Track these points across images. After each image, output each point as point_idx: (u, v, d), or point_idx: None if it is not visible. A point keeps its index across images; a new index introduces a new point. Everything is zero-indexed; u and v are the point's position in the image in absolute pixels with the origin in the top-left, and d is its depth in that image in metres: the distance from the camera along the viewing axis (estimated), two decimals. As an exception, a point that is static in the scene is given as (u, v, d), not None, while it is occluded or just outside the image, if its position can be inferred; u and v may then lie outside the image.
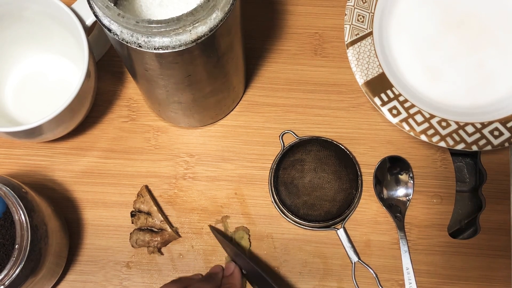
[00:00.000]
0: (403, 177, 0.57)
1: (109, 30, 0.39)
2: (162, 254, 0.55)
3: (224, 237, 0.54)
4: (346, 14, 0.53)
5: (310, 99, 0.59)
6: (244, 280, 0.53)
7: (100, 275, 0.55)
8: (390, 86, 0.50)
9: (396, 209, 0.56)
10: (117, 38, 0.39)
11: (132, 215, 0.55)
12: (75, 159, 0.58)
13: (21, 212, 0.44)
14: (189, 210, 0.56)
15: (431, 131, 0.49)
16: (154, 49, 0.38)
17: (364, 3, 0.53)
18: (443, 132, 0.49)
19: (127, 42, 0.38)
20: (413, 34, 0.53)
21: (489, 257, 0.55)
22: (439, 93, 0.52)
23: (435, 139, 0.49)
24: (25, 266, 0.43)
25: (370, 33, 0.52)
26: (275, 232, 0.56)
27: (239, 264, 0.53)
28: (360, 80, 0.51)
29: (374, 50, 0.51)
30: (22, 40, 0.57)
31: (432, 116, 0.50)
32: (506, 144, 0.49)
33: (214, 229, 0.55)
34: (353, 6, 0.53)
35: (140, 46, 0.38)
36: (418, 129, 0.49)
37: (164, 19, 0.37)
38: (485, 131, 0.49)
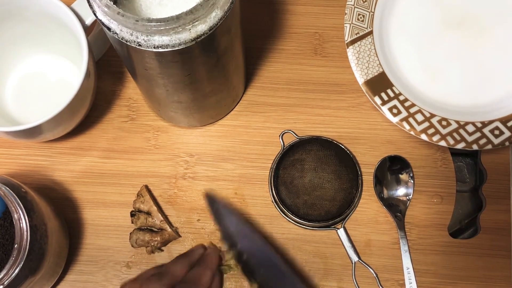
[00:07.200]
0: (403, 176, 0.57)
1: (109, 29, 0.39)
2: (162, 251, 0.55)
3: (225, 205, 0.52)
4: (346, 13, 0.53)
5: (310, 98, 0.59)
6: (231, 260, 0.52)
7: (100, 275, 0.55)
8: (390, 85, 0.50)
9: (396, 208, 0.56)
10: (116, 37, 0.39)
11: (132, 215, 0.55)
12: (75, 159, 0.58)
13: (20, 212, 0.44)
14: (189, 210, 0.56)
15: (431, 130, 0.49)
16: (154, 47, 0.38)
17: (364, 2, 0.53)
18: (444, 131, 0.49)
19: (126, 41, 0.38)
20: (413, 33, 0.53)
21: (489, 257, 0.55)
22: (439, 92, 0.52)
23: (435, 138, 0.49)
24: (24, 266, 0.43)
25: (370, 32, 0.52)
26: (275, 232, 0.56)
27: (242, 244, 0.51)
28: (360, 80, 0.51)
29: (374, 49, 0.51)
30: (22, 40, 0.57)
31: (433, 115, 0.50)
32: (507, 143, 0.49)
33: (210, 198, 0.52)
34: (353, 5, 0.53)
35: (139, 45, 0.38)
36: (419, 128, 0.49)
37: (163, 18, 0.37)
38: (486, 130, 0.49)
